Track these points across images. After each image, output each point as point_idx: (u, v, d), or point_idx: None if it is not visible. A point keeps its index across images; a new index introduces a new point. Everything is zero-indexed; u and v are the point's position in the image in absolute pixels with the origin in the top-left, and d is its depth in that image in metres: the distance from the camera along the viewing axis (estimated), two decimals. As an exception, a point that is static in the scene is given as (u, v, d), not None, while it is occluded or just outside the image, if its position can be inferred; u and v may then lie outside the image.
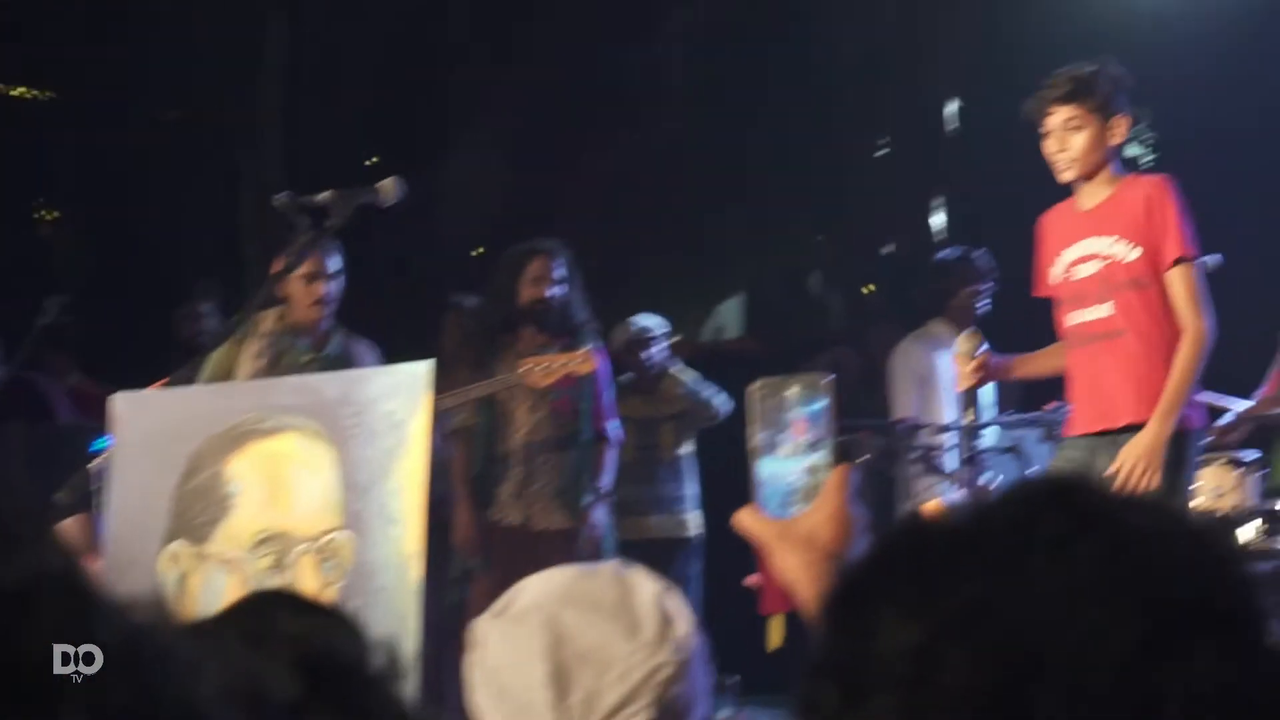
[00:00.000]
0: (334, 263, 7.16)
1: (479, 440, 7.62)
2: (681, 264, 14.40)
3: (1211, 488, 6.94)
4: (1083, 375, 5.79)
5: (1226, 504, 7.06)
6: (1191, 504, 6.63)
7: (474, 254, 13.53)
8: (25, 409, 8.27)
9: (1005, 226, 11.39)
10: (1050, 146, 5.78)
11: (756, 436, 1.93)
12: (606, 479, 7.69)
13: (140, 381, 6.53)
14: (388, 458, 4.97)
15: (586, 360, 7.11)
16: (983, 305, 8.42)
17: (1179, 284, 5.68)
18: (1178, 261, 5.68)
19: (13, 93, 13.55)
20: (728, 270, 14.78)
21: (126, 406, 5.45)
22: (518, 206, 13.47)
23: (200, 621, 1.86)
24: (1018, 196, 11.94)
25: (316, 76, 12.71)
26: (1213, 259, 7.49)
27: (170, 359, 8.22)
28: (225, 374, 7.10)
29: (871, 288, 13.77)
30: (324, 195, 6.06)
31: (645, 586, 2.19)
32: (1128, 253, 5.71)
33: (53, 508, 5.66)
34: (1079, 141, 5.72)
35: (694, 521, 8.74)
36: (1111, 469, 5.58)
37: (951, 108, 13.31)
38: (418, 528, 4.87)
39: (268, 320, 7.20)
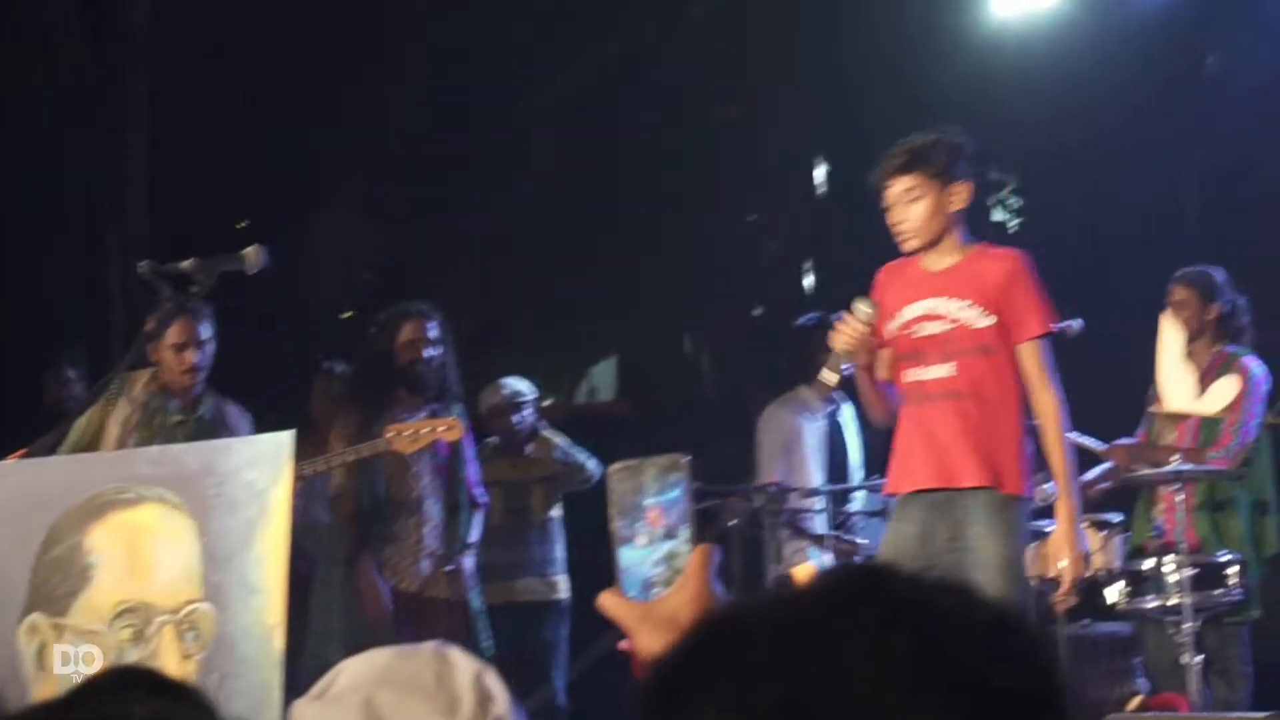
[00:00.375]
0: (205, 330, 7.09)
1: (367, 507, 7.52)
2: (554, 327, 14.41)
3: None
4: (919, 431, 5.81)
5: (1092, 565, 7.12)
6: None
7: (343, 317, 13.48)
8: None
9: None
10: (892, 217, 5.85)
11: (614, 523, 1.92)
12: (474, 536, 7.65)
13: (1, 449, 6.43)
14: (249, 527, 4.92)
15: (454, 428, 7.08)
16: (847, 369, 8.47)
17: (1034, 357, 5.77)
18: (1038, 338, 5.78)
19: None
20: (600, 333, 14.80)
21: (-16, 477, 5.37)
22: (387, 270, 13.43)
23: (53, 702, 1.83)
24: (885, 258, 12.06)
25: (182, 141, 12.61)
26: (1076, 323, 7.60)
27: (33, 427, 8.10)
28: (93, 436, 7.01)
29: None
30: (187, 263, 6.02)
31: (464, 665, 2.18)
32: (979, 319, 5.77)
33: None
34: (918, 211, 5.78)
35: (564, 584, 8.72)
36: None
37: (820, 171, 13.43)
38: (280, 597, 4.82)
39: (139, 382, 7.13)
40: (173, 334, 6.90)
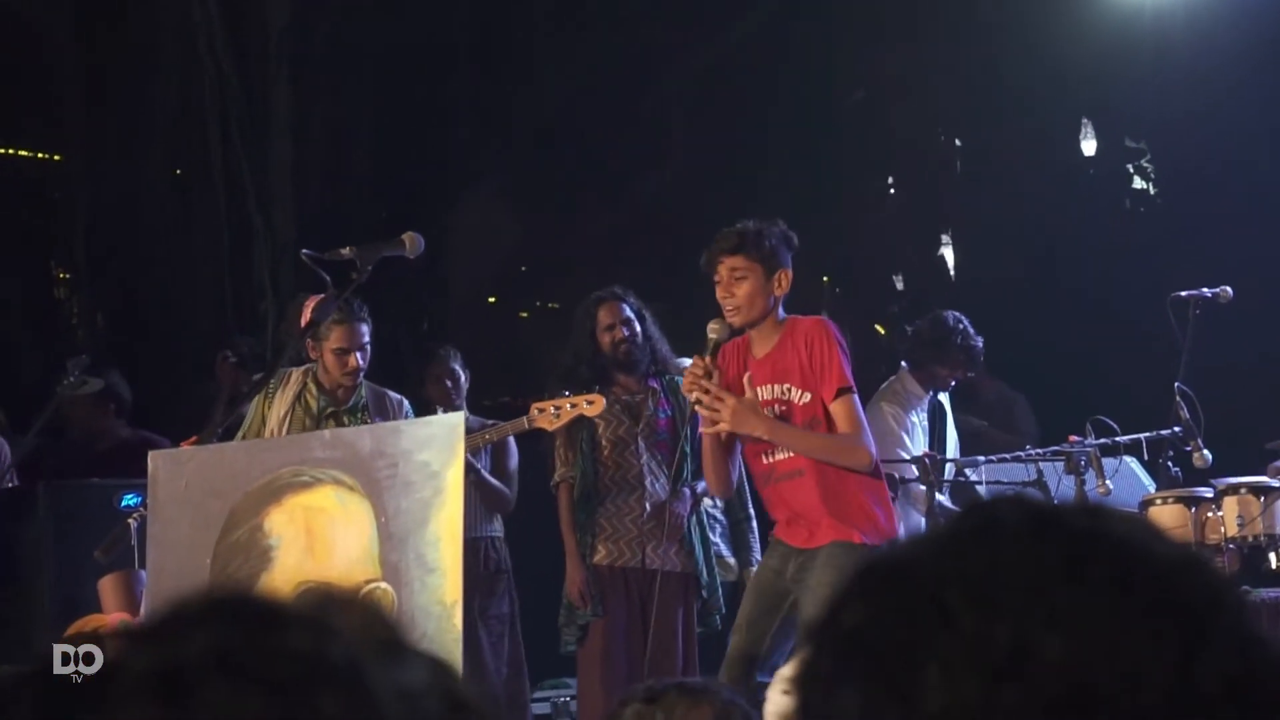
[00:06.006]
0: (365, 333, 7.02)
1: (582, 489, 7.55)
2: (689, 308, 14.43)
3: (1235, 516, 6.96)
4: (781, 506, 6.12)
5: (1252, 532, 7.05)
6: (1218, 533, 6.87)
7: (489, 301, 13.65)
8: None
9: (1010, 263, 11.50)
10: (720, 294, 6.09)
11: None
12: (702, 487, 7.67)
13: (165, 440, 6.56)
14: (424, 508, 5.02)
15: (595, 403, 7.14)
16: (950, 384, 8.37)
17: (840, 414, 5.99)
18: (839, 394, 5.99)
19: (22, 154, 13.64)
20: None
21: (163, 464, 5.50)
22: (525, 258, 13.55)
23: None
24: (1019, 229, 12.05)
25: (323, 134, 12.79)
26: (1221, 290, 7.59)
27: (188, 418, 8.25)
28: (257, 430, 7.02)
29: (881, 329, 13.81)
30: (347, 250, 6.13)
31: None
32: (800, 397, 6.04)
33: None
34: (742, 290, 6.03)
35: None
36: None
37: (956, 146, 13.41)
38: (457, 576, 4.92)
39: (293, 377, 7.12)
40: (336, 338, 6.90)
